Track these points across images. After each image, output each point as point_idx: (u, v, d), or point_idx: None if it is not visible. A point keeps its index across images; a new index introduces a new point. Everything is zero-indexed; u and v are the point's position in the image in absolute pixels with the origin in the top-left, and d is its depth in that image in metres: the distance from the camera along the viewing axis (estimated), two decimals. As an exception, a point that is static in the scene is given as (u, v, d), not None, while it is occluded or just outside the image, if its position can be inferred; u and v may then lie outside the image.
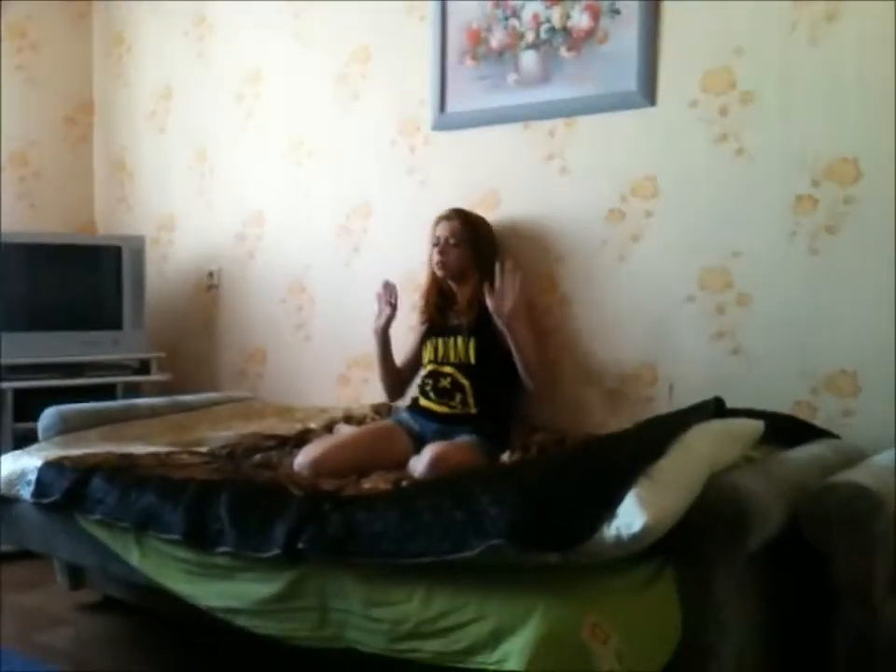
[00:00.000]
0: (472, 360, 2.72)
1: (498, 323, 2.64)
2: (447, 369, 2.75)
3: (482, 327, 2.71)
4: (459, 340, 2.74)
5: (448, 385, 2.73)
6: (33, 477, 2.48)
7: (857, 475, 1.89)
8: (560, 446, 2.52)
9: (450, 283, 2.84)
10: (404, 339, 3.02)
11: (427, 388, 2.77)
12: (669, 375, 2.67)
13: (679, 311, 2.66)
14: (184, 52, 3.85)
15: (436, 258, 2.79)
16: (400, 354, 2.97)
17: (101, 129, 4.21)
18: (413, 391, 2.90)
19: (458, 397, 2.71)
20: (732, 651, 1.76)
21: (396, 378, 2.97)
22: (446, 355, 2.76)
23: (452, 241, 2.77)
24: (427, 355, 2.82)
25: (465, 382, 2.71)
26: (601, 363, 2.81)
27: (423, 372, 2.84)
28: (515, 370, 2.73)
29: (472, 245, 2.78)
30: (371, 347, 3.22)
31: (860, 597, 1.79)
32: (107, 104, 4.18)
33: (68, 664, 2.45)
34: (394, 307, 2.87)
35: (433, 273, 2.85)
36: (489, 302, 2.63)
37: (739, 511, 1.71)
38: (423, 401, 2.78)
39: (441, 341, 2.79)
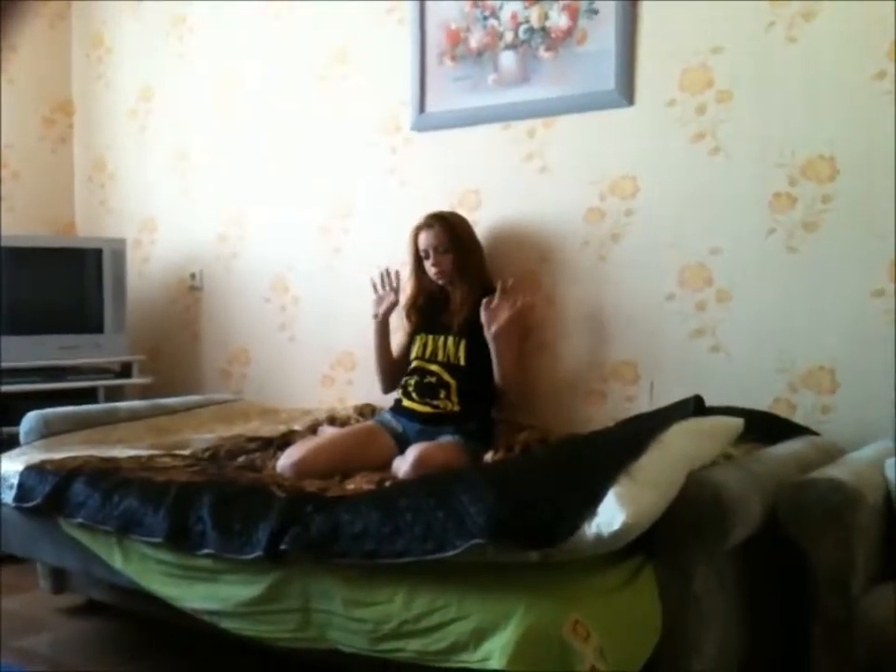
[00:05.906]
0: (462, 361, 2.72)
1: (487, 336, 2.67)
2: (433, 367, 2.75)
3: (473, 328, 2.70)
4: (449, 340, 2.74)
5: (433, 382, 2.73)
6: (14, 481, 2.48)
7: (835, 471, 1.91)
8: (542, 445, 2.53)
9: (445, 286, 2.82)
10: (393, 337, 3.04)
11: (410, 388, 2.77)
12: (650, 373, 2.69)
13: (659, 309, 2.67)
14: (164, 53, 3.84)
15: (433, 269, 2.78)
16: (394, 350, 2.96)
17: (81, 130, 4.19)
18: (395, 392, 2.89)
19: (442, 394, 2.71)
20: (713, 645, 1.78)
21: (392, 369, 2.92)
22: (434, 352, 2.76)
23: (441, 249, 2.76)
24: (415, 350, 2.82)
25: (451, 381, 2.71)
26: (583, 362, 2.82)
27: (408, 368, 2.83)
28: None
29: (459, 246, 2.78)
30: (354, 347, 3.25)
31: (838, 590, 1.81)
32: (87, 104, 4.15)
33: (51, 668, 2.44)
34: (396, 293, 2.89)
35: (419, 282, 2.85)
36: (483, 316, 2.66)
37: (719, 507, 1.72)
38: (406, 402, 2.78)
39: (430, 338, 2.79)
